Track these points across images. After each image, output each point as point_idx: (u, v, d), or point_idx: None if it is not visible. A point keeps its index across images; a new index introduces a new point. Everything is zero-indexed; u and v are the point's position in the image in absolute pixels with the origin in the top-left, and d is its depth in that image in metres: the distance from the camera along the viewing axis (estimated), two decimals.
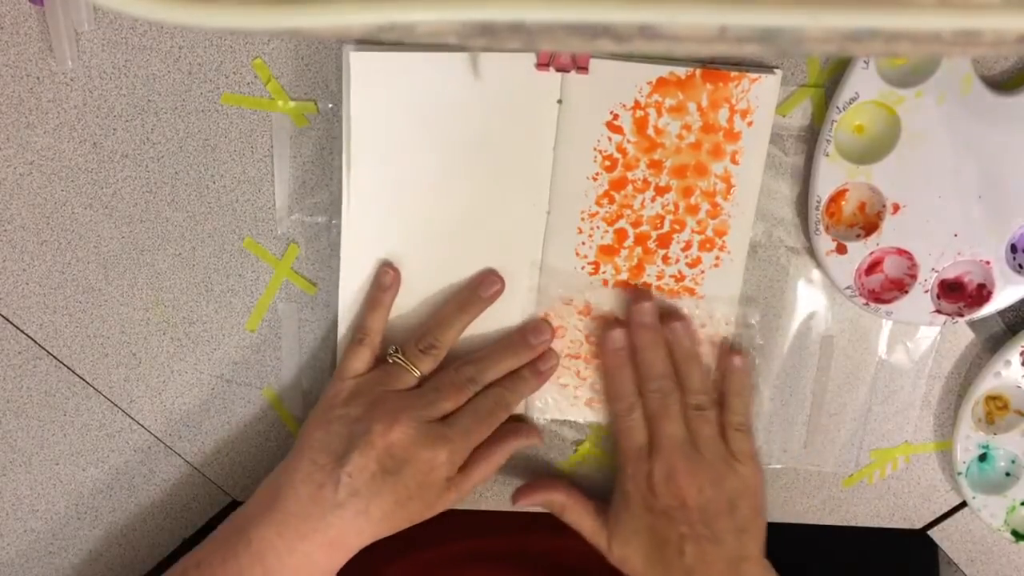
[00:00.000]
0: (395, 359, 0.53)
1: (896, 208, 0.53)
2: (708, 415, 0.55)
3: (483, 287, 0.54)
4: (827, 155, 0.52)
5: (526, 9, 0.20)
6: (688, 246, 0.54)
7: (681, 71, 0.50)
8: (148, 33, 0.50)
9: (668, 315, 0.55)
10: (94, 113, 0.51)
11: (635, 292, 0.55)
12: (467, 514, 0.59)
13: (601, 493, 0.63)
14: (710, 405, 0.55)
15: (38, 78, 0.50)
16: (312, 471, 0.51)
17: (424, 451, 0.51)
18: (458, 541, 0.62)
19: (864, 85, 0.50)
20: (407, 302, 0.54)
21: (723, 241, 0.54)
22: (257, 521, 0.51)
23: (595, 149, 0.52)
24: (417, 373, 0.53)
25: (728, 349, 0.56)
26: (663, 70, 0.50)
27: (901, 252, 0.54)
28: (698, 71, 0.50)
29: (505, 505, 0.61)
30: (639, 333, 0.54)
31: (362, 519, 0.51)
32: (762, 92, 0.51)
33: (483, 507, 0.61)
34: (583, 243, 0.54)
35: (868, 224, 0.54)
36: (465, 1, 0.20)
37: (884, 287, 0.56)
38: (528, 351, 0.55)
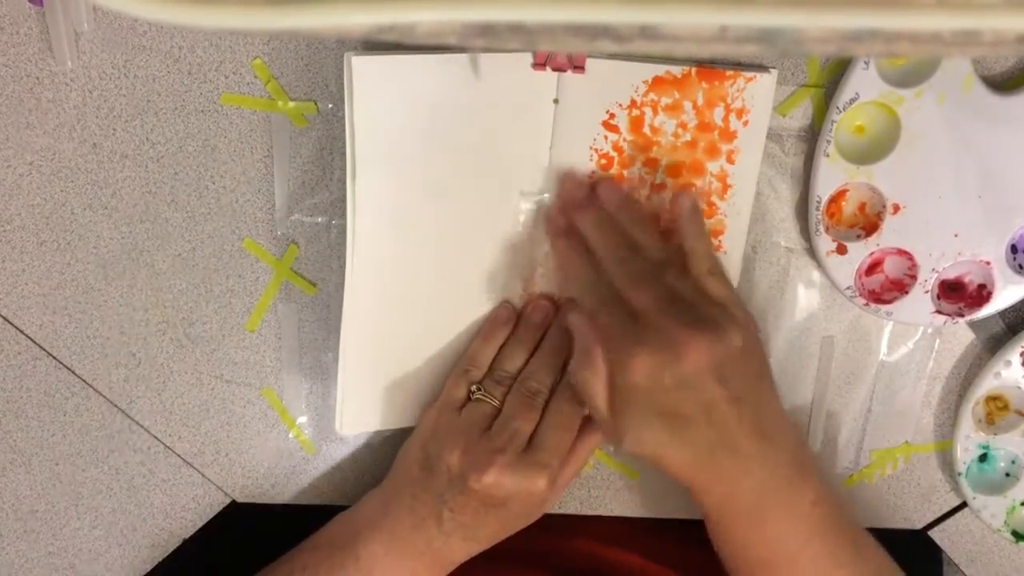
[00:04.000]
0: (477, 396, 0.54)
1: (896, 208, 0.53)
2: (676, 269, 0.49)
3: (534, 312, 0.55)
4: (827, 155, 0.52)
5: (526, 9, 0.20)
6: None
7: (677, 70, 0.50)
8: (148, 33, 0.50)
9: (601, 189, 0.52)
10: (94, 113, 0.51)
11: (560, 179, 0.53)
12: None
13: (605, 498, 0.63)
14: (677, 260, 0.50)
15: (38, 78, 0.50)
16: (414, 505, 0.53)
17: (522, 485, 0.51)
18: None
19: (864, 85, 0.50)
20: (413, 302, 0.54)
21: (719, 241, 0.54)
22: (365, 537, 0.53)
23: (591, 148, 0.52)
24: (496, 403, 0.54)
25: (672, 196, 0.53)
26: (659, 69, 0.50)
27: (901, 252, 0.54)
28: (693, 70, 0.50)
29: None
30: (577, 216, 0.51)
31: (471, 543, 0.53)
32: (758, 91, 0.51)
33: None
34: None
35: (868, 224, 0.54)
36: (465, 1, 0.20)
37: (884, 287, 0.56)
38: (560, 333, 0.54)
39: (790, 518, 0.50)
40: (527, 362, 0.55)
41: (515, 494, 0.51)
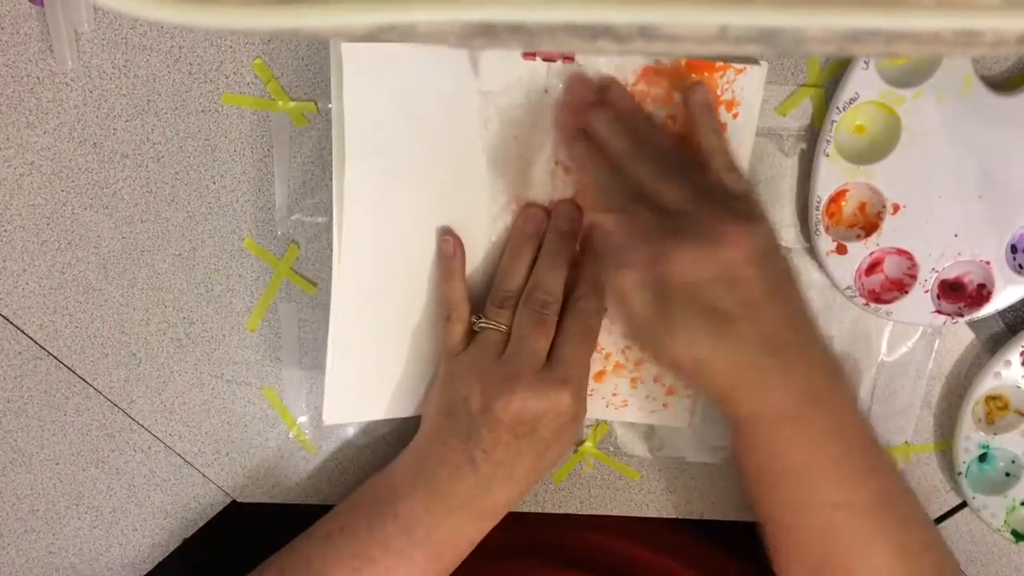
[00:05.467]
0: (480, 325, 0.52)
1: (896, 208, 0.53)
2: (697, 164, 0.48)
3: (528, 224, 0.53)
4: (827, 155, 0.52)
5: (526, 9, 0.20)
6: None
7: (667, 61, 0.50)
8: (148, 33, 0.50)
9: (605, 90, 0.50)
10: (94, 113, 0.51)
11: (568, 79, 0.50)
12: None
13: (605, 498, 0.63)
14: (695, 156, 0.49)
15: (38, 78, 0.50)
16: (445, 453, 0.51)
17: (549, 403, 0.49)
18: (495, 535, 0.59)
19: (864, 85, 0.50)
20: (400, 293, 0.54)
21: None
22: (404, 495, 0.51)
23: None
24: (504, 328, 0.52)
25: (687, 90, 0.50)
26: (649, 60, 0.50)
27: (901, 252, 0.54)
28: (683, 61, 0.50)
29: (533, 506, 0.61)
30: (594, 116, 0.49)
31: (509, 484, 0.51)
32: (748, 84, 0.51)
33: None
34: None
35: (868, 224, 0.54)
36: (465, 1, 0.20)
37: (884, 287, 0.56)
38: (559, 237, 0.52)
39: (829, 420, 0.48)
40: (527, 277, 0.52)
41: (542, 415, 0.50)
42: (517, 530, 0.59)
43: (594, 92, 0.50)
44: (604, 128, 0.48)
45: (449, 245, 0.52)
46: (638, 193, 0.46)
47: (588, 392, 0.57)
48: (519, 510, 0.59)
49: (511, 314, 0.52)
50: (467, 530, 0.52)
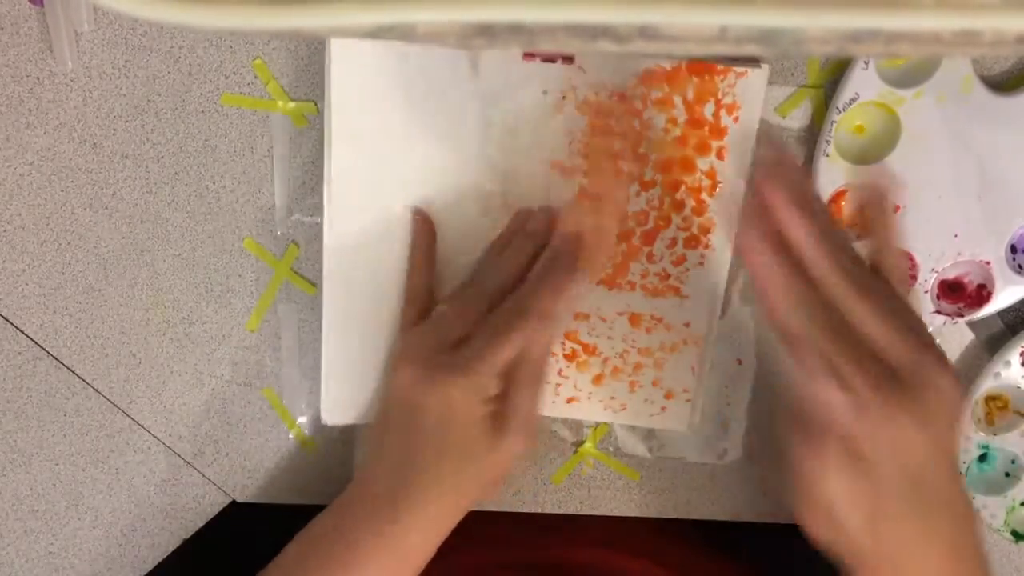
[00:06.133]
0: (440, 309, 0.48)
1: (896, 208, 0.53)
2: (885, 284, 0.42)
3: (528, 223, 0.50)
4: (827, 155, 0.52)
5: (526, 10, 0.20)
6: (673, 243, 0.54)
7: (667, 64, 0.50)
8: (148, 33, 0.50)
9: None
10: (94, 113, 0.51)
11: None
12: (481, 522, 0.58)
13: (605, 498, 0.63)
14: (879, 275, 0.43)
15: (38, 78, 0.50)
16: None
17: (432, 388, 0.44)
18: (470, 552, 0.58)
19: (864, 85, 0.50)
20: (392, 293, 0.54)
21: (708, 239, 0.54)
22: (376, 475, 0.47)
23: (580, 141, 0.52)
24: (465, 321, 0.46)
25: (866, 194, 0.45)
26: (649, 62, 0.50)
27: (901, 252, 0.54)
28: (684, 64, 0.50)
29: (505, 507, 0.61)
30: (794, 224, 0.41)
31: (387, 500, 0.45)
32: (748, 87, 0.51)
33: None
34: None
35: (868, 225, 0.54)
36: (465, 1, 0.20)
37: None
38: (560, 258, 0.47)
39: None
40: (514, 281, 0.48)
41: (422, 401, 0.44)
42: (497, 549, 0.59)
43: (792, 189, 0.42)
44: (810, 248, 0.41)
45: (419, 225, 0.50)
46: (837, 320, 0.40)
47: (587, 395, 0.57)
48: (519, 510, 0.59)
49: (475, 310, 0.47)
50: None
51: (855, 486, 0.40)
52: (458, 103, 0.50)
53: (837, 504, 0.40)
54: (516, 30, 0.21)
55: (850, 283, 0.40)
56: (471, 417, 0.44)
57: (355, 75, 0.48)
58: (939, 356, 0.40)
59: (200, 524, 0.62)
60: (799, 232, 0.41)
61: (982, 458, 0.60)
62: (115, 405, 0.58)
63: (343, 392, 0.55)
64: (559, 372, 0.57)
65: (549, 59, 0.49)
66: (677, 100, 0.51)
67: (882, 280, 0.42)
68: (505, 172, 0.52)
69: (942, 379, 0.39)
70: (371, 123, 0.49)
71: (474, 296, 0.47)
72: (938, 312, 0.55)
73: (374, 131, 0.49)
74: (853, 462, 0.39)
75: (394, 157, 0.51)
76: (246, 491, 0.61)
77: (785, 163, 0.43)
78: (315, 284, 0.56)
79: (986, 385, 0.58)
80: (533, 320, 0.46)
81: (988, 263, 0.54)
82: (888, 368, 0.39)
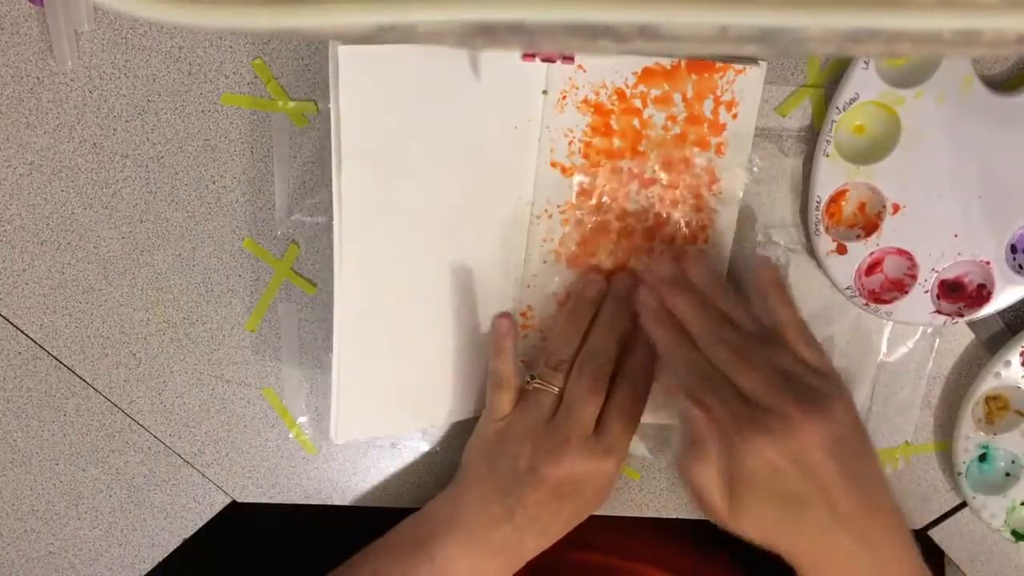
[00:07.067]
0: (534, 385, 0.54)
1: (896, 208, 0.53)
2: (774, 342, 0.49)
3: (588, 289, 0.54)
4: (827, 155, 0.52)
5: (526, 9, 0.20)
6: (672, 240, 0.54)
7: (666, 62, 0.50)
8: (148, 33, 0.50)
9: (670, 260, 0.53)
10: (94, 113, 0.51)
11: (619, 274, 0.54)
12: None
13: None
14: (772, 332, 0.50)
15: (38, 78, 0.50)
16: (486, 505, 0.53)
17: (594, 469, 0.51)
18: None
19: (864, 85, 0.50)
20: (404, 305, 0.54)
21: (707, 235, 0.54)
22: (441, 539, 0.53)
23: (580, 140, 0.52)
24: (555, 390, 0.53)
25: (756, 268, 0.53)
26: (649, 60, 0.50)
27: (901, 252, 0.54)
28: (683, 62, 0.50)
29: None
30: (672, 299, 0.51)
31: (542, 537, 0.53)
32: (747, 84, 0.51)
33: None
34: (567, 236, 0.54)
35: (868, 224, 0.54)
36: (465, 1, 0.20)
37: (884, 287, 0.56)
38: (616, 305, 0.54)
39: None
40: (582, 342, 0.54)
41: (587, 480, 0.52)
42: None
43: (671, 268, 0.53)
44: (684, 310, 0.51)
45: (504, 326, 0.55)
46: (718, 377, 0.48)
47: None
48: None
49: (565, 377, 0.53)
50: (495, 573, 0.54)
51: (712, 484, 0.47)
52: (459, 105, 0.50)
53: (705, 495, 0.48)
54: (516, 30, 0.21)
55: (717, 337, 0.49)
56: (614, 479, 0.53)
57: (360, 84, 0.47)
58: (801, 397, 0.46)
59: (200, 524, 0.62)
60: (677, 306, 0.51)
61: (982, 458, 0.60)
62: (115, 405, 0.58)
63: (353, 411, 0.55)
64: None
65: (549, 59, 0.49)
66: (676, 97, 0.51)
67: (760, 338, 0.49)
68: (507, 170, 0.52)
69: (795, 411, 0.45)
70: (376, 131, 0.48)
71: (590, 378, 0.53)
72: (938, 312, 0.55)
73: (379, 139, 0.49)
74: (712, 462, 0.47)
75: (400, 162, 0.50)
76: (246, 491, 0.61)
77: (660, 262, 0.54)
78: (315, 284, 0.56)
79: (986, 385, 0.58)
80: (647, 385, 0.54)
81: (988, 263, 0.54)
82: (747, 401, 0.46)
